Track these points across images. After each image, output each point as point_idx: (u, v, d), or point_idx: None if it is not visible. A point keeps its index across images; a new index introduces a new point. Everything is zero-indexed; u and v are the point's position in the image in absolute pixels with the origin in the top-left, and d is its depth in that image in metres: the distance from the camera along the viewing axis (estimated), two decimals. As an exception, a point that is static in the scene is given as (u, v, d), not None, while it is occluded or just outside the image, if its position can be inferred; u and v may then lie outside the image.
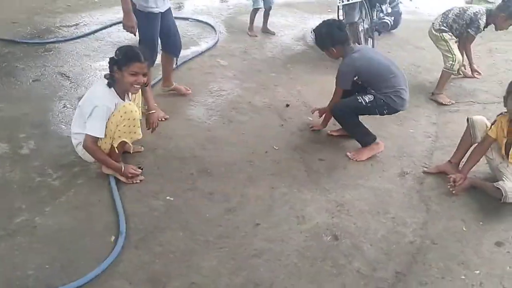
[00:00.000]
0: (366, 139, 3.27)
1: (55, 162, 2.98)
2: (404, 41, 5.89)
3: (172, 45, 3.67)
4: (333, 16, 6.71)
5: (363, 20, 4.93)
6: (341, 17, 5.07)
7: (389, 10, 5.43)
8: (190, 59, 4.87)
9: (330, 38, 3.12)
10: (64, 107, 3.68)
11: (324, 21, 3.20)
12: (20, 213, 2.52)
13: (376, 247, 2.44)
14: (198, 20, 6.27)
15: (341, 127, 3.44)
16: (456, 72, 4.30)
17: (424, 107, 4.15)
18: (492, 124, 2.84)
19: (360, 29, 4.85)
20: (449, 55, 4.19)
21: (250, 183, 2.94)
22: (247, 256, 2.36)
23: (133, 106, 2.76)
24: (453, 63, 4.18)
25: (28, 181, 2.79)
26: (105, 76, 2.70)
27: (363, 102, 3.14)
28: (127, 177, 2.79)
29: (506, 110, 2.75)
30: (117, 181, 2.82)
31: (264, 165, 3.13)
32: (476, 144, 2.95)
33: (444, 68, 4.23)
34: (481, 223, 2.62)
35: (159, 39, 3.51)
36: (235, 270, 2.26)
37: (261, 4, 5.73)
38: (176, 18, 3.81)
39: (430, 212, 2.74)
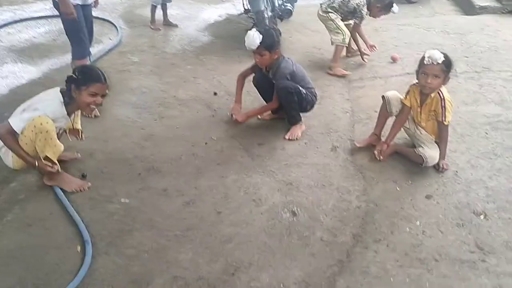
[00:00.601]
0: (299, 117, 3.56)
1: (-15, 180, 2.75)
2: (301, 26, 6.24)
3: None
4: (227, 5, 6.94)
5: (266, 8, 5.14)
6: (245, 6, 5.21)
7: (287, -4, 5.71)
8: (100, 57, 4.69)
9: (277, 41, 3.34)
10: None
11: (268, 26, 3.63)
12: (-35, 239, 2.33)
13: (330, 216, 2.69)
14: (94, 17, 6.00)
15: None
16: (347, 44, 4.81)
17: (335, 85, 4.51)
18: (406, 94, 3.21)
19: (265, 17, 5.05)
20: (339, 31, 4.67)
21: (200, 175, 3.01)
22: (219, 242, 2.45)
23: (43, 117, 2.53)
24: (344, 37, 4.67)
25: (-38, 205, 2.56)
26: (60, 91, 2.57)
27: (302, 92, 3.47)
28: (45, 172, 2.68)
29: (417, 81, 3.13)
30: (63, 191, 2.70)
31: (208, 156, 3.21)
32: (393, 116, 3.30)
33: (335, 43, 4.71)
34: (410, 181, 2.99)
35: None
36: (212, 258, 2.35)
37: (159, 1, 5.72)
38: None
39: (366, 178, 3.05)
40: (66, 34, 3.59)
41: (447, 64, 2.87)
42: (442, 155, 3.06)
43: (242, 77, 3.67)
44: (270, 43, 3.29)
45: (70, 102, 2.61)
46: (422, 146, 3.07)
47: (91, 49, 3.85)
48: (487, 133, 3.45)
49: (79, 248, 2.32)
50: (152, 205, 2.70)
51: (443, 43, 5.56)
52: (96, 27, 5.51)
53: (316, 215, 2.69)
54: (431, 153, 3.00)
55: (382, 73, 4.74)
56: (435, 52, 2.86)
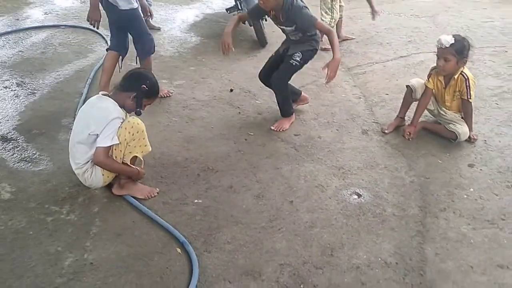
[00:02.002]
0: (291, 110, 3.65)
1: (51, 198, 2.70)
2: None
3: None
4: (198, 5, 6.96)
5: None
6: (240, 5, 5.28)
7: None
8: (100, 67, 4.61)
9: None
10: None
11: None
12: (63, 256, 2.30)
13: (391, 193, 2.88)
14: (74, 26, 5.85)
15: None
16: (333, 27, 5.02)
17: (338, 74, 4.62)
18: (428, 77, 3.45)
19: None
20: (329, 12, 4.95)
21: (255, 169, 3.10)
22: (304, 228, 2.57)
23: (136, 118, 2.67)
24: (331, 19, 4.96)
25: (40, 224, 2.50)
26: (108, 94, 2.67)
27: (296, 63, 3.43)
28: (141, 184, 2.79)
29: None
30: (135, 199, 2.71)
31: (254, 151, 3.30)
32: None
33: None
34: (448, 154, 3.25)
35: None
36: (305, 243, 2.46)
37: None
38: (43, 27, 3.68)
39: (406, 156, 3.28)
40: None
41: (458, 47, 3.11)
42: (469, 128, 3.34)
43: (238, 19, 3.55)
44: None
45: (120, 106, 2.66)
46: (452, 124, 3.32)
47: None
48: (497, 104, 3.79)
49: (179, 250, 2.36)
50: (225, 202, 2.76)
51: (419, 26, 5.94)
52: (81, 37, 5.43)
53: (379, 193, 2.87)
54: (463, 129, 3.26)
55: (377, 59, 5.00)
56: (444, 36, 3.13)
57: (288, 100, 3.59)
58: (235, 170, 3.08)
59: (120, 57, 3.84)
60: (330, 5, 4.92)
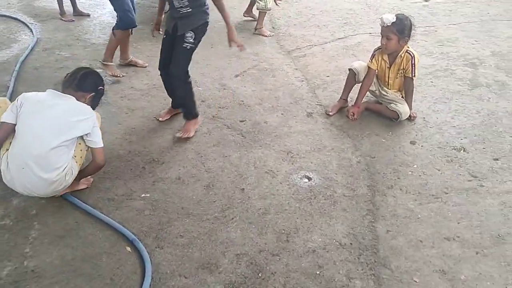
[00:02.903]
0: (195, 111, 3.24)
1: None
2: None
3: None
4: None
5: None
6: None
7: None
8: (26, 57, 4.31)
9: None
10: None
11: None
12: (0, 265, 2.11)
13: (340, 174, 2.91)
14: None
15: None
16: (269, 9, 5.14)
17: (278, 57, 4.69)
18: (372, 58, 3.50)
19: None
20: None
21: (203, 158, 3.02)
22: (259, 216, 2.54)
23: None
24: (265, 3, 5.03)
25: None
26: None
27: (190, 45, 3.03)
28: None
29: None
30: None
31: (201, 140, 3.22)
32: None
33: (259, 9, 5.09)
34: (390, 133, 3.33)
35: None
36: (260, 230, 2.43)
37: None
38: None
39: (351, 136, 3.33)
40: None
41: (399, 26, 3.19)
42: (409, 106, 3.44)
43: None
44: None
45: None
46: (394, 103, 3.40)
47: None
48: (432, 82, 3.93)
49: (129, 248, 2.24)
50: (175, 194, 2.66)
51: (354, 8, 6.05)
52: (1, 26, 5.01)
53: (328, 175, 2.89)
54: (404, 108, 3.35)
55: (316, 41, 5.03)
56: (386, 15, 3.20)
57: (191, 97, 3.19)
58: (182, 160, 2.98)
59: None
60: None
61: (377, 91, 3.54)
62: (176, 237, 2.34)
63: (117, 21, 3.95)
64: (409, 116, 3.40)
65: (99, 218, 2.40)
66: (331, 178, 2.85)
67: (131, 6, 3.94)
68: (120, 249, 2.25)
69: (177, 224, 2.43)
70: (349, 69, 3.53)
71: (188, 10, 2.96)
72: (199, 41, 3.11)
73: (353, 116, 3.43)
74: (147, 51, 4.67)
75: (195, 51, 3.04)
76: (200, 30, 3.08)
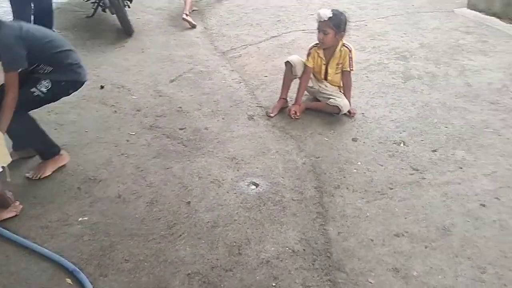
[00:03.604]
0: (53, 150, 2.76)
1: None
2: (142, 6, 6.03)
3: None
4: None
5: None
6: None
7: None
8: None
9: None
10: None
11: None
12: None
13: (287, 177, 2.87)
14: None
15: None
16: None
17: (213, 59, 4.58)
18: (308, 56, 3.49)
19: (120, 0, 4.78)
20: None
21: (144, 172, 2.87)
22: (207, 230, 2.44)
23: None
24: None
25: None
26: None
27: (41, 94, 2.56)
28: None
29: (317, 42, 3.44)
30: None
31: (139, 152, 3.06)
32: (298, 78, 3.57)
33: None
34: (332, 131, 3.34)
35: None
36: (210, 245, 2.34)
37: None
38: None
39: (294, 137, 3.30)
40: None
41: (335, 21, 3.22)
42: (349, 101, 3.47)
43: None
44: None
45: None
46: (333, 98, 3.42)
47: None
48: (367, 76, 3.99)
49: (69, 280, 2.07)
50: (115, 214, 2.50)
51: (285, 5, 6.04)
52: None
53: (275, 180, 2.84)
54: (344, 101, 3.37)
55: (250, 41, 4.97)
56: (322, 10, 3.23)
57: (40, 140, 2.71)
58: (120, 176, 2.80)
59: None
60: None
61: (315, 87, 3.54)
62: (120, 262, 2.19)
63: None
64: (349, 112, 3.41)
65: (33, 250, 2.21)
66: (279, 183, 2.80)
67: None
68: (59, 282, 2.07)
69: (120, 247, 2.28)
70: (286, 62, 3.51)
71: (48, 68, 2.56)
72: (55, 98, 2.67)
73: (295, 114, 3.41)
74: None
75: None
76: (63, 87, 2.66)
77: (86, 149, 3.05)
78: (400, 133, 3.22)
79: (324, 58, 3.39)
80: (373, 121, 3.38)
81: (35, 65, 2.48)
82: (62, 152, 2.84)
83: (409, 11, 5.62)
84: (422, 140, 3.13)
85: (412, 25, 5.12)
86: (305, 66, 3.46)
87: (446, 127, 3.24)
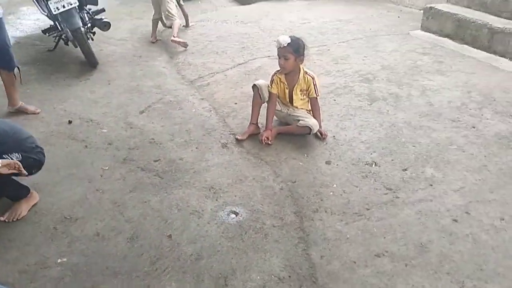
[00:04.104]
0: (22, 191, 2.76)
1: None
2: (103, 37, 6.02)
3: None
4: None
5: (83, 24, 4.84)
6: (60, 27, 4.79)
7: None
8: None
9: None
10: None
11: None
12: None
13: (266, 204, 2.90)
14: None
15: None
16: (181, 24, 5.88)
17: (182, 89, 4.62)
18: (271, 83, 3.59)
19: (83, 33, 4.77)
20: (171, 16, 5.75)
21: (121, 207, 2.84)
22: (192, 262, 2.42)
23: None
24: (175, 18, 5.76)
25: None
26: None
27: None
28: None
29: (279, 69, 3.53)
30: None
31: (114, 187, 3.02)
32: (266, 102, 3.65)
33: (169, 25, 5.76)
34: (306, 155, 3.41)
35: None
36: (196, 278, 2.33)
37: None
38: None
39: (269, 163, 3.34)
40: None
41: (294, 46, 3.35)
42: (319, 125, 3.57)
43: None
44: None
45: None
46: (301, 119, 3.50)
47: None
48: (335, 100, 4.12)
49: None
50: (96, 253, 2.45)
51: (248, 32, 6.19)
52: None
53: (254, 207, 2.86)
54: (312, 121, 3.47)
55: (217, 68, 5.04)
56: (281, 37, 3.36)
57: (4, 190, 2.68)
58: (97, 213, 2.76)
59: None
60: (168, 11, 5.62)
61: (283, 111, 3.62)
62: (107, 305, 2.13)
63: None
64: (321, 134, 3.50)
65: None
66: (258, 210, 2.82)
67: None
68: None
69: (104, 287, 2.22)
70: (252, 86, 3.59)
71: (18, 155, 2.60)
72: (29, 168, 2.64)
73: (267, 140, 3.46)
74: (37, 95, 4.32)
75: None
76: (31, 163, 2.68)
77: (59, 186, 2.98)
78: (371, 154, 3.33)
79: (286, 83, 3.49)
80: (344, 143, 3.48)
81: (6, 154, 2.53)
82: (31, 190, 2.79)
83: (367, 35, 5.85)
84: (392, 160, 3.24)
85: (371, 48, 5.33)
86: (270, 93, 3.54)
87: (414, 146, 3.37)
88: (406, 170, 3.13)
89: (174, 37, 5.54)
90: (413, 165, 3.18)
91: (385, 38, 5.66)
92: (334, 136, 3.57)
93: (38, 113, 3.98)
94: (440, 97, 4.07)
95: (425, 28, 5.77)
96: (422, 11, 6.15)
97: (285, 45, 3.30)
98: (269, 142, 3.48)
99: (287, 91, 3.57)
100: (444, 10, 5.52)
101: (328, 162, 3.28)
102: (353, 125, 3.70)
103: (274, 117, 3.66)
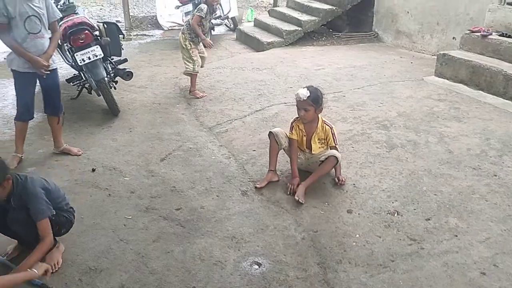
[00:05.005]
0: (55, 240, 2.77)
1: None
2: (124, 84, 6.17)
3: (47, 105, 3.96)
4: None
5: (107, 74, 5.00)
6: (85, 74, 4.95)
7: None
8: None
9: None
10: None
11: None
12: None
13: (289, 254, 2.90)
14: None
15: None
16: (197, 72, 5.68)
17: (201, 135, 4.68)
18: (291, 129, 3.64)
19: (107, 82, 4.92)
20: (190, 61, 5.56)
21: (144, 258, 2.85)
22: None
23: None
24: (194, 66, 5.58)
25: None
26: None
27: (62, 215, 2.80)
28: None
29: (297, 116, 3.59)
30: None
31: (138, 237, 3.05)
32: (283, 149, 3.69)
33: (187, 73, 5.67)
34: (326, 203, 3.41)
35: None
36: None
37: None
38: None
39: (290, 211, 3.35)
40: None
41: (314, 98, 3.44)
42: (338, 172, 3.59)
43: None
44: None
45: None
46: (323, 156, 3.52)
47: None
48: (353, 147, 4.15)
49: None
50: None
51: (264, 78, 6.32)
52: None
53: (277, 257, 2.86)
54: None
55: (235, 115, 5.13)
56: (301, 90, 3.44)
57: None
58: (122, 264, 2.77)
59: None
60: (189, 54, 5.50)
61: (301, 157, 3.66)
62: None
63: None
64: (338, 180, 3.50)
65: None
66: (281, 261, 2.81)
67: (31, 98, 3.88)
68: None
69: None
70: (269, 134, 3.67)
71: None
72: (54, 227, 2.67)
73: (299, 198, 3.37)
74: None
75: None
76: (63, 221, 2.78)
77: (83, 236, 3.01)
78: (393, 202, 3.32)
79: (304, 130, 3.55)
80: (364, 191, 3.48)
81: None
82: (58, 242, 2.85)
83: (382, 81, 5.95)
84: (414, 209, 3.23)
85: (387, 94, 5.40)
86: (290, 139, 3.59)
87: (435, 195, 3.36)
88: (429, 219, 3.11)
89: (191, 91, 5.69)
90: (436, 214, 3.16)
91: (400, 84, 5.75)
92: (354, 184, 3.58)
93: (80, 154, 4.15)
94: (459, 144, 4.08)
95: (439, 74, 5.85)
96: (435, 56, 6.26)
97: (305, 98, 3.38)
98: (301, 201, 3.40)
99: (305, 138, 3.63)
100: (457, 56, 5.61)
101: (349, 211, 3.28)
102: (372, 173, 3.71)
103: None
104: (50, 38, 3.84)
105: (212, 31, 7.17)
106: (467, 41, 5.84)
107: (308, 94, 3.39)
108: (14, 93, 4.10)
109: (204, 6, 5.46)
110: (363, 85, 5.79)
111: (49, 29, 3.84)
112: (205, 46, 5.76)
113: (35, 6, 3.63)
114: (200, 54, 5.76)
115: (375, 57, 7.28)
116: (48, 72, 3.78)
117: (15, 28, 3.58)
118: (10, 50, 3.70)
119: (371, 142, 4.21)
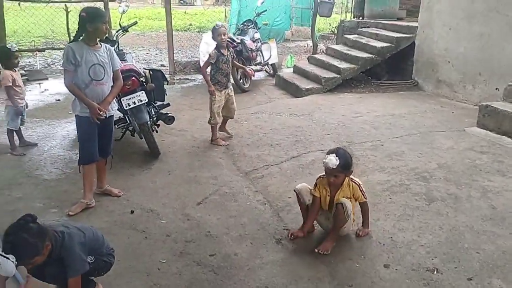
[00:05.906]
0: (90, 285, 2.83)
1: None
2: (164, 127, 6.35)
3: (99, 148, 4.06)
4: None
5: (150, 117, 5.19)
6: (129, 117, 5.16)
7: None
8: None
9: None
10: None
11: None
12: None
13: (322, 309, 2.82)
14: None
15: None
16: (215, 124, 5.71)
17: (237, 180, 4.72)
18: (315, 186, 3.54)
19: (149, 126, 5.09)
20: (210, 112, 5.66)
21: (177, 304, 2.84)
22: None
23: None
24: (210, 118, 5.69)
25: None
26: None
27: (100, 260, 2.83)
28: None
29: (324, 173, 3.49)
30: None
31: (171, 282, 3.07)
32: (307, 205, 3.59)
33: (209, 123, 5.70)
34: (362, 256, 3.33)
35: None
36: None
37: (18, 125, 5.35)
38: None
39: (324, 263, 3.27)
40: None
41: (343, 165, 3.29)
42: (366, 225, 3.52)
43: None
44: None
45: None
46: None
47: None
48: (391, 198, 4.08)
49: None
50: None
51: (301, 125, 6.36)
52: None
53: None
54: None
55: (272, 161, 5.16)
56: (330, 158, 3.25)
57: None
58: (154, 309, 2.77)
59: None
60: (210, 105, 5.68)
61: (323, 216, 3.57)
62: None
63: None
64: (358, 233, 3.47)
65: None
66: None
67: (93, 141, 3.97)
68: None
69: None
70: (294, 190, 3.60)
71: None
72: (93, 273, 2.77)
73: (324, 251, 3.34)
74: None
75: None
76: (102, 265, 2.82)
77: (119, 279, 3.05)
78: (432, 259, 3.21)
79: (329, 189, 3.45)
80: (402, 245, 3.39)
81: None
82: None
83: (421, 131, 5.87)
84: (455, 267, 3.11)
85: (427, 145, 5.32)
86: (313, 196, 3.50)
87: (478, 253, 3.23)
88: (471, 279, 2.98)
89: (212, 139, 5.75)
90: (479, 274, 3.03)
91: (441, 135, 5.66)
92: (391, 238, 3.50)
93: (120, 196, 4.25)
94: (503, 199, 3.94)
95: (481, 125, 5.73)
96: (477, 107, 6.16)
97: (334, 167, 3.25)
98: (326, 252, 3.34)
99: (328, 198, 3.47)
100: (501, 108, 5.50)
101: (386, 266, 3.19)
102: (411, 226, 3.63)
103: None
104: (112, 86, 4.01)
105: (252, 77, 7.32)
106: (511, 92, 5.73)
107: (338, 162, 3.23)
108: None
109: (212, 52, 5.56)
110: (402, 134, 5.73)
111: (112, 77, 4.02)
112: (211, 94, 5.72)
113: (100, 55, 3.87)
114: (230, 105, 5.85)
115: (415, 105, 7.22)
116: (103, 118, 3.90)
117: (80, 74, 3.78)
118: (74, 97, 3.87)
119: (410, 194, 4.12)
